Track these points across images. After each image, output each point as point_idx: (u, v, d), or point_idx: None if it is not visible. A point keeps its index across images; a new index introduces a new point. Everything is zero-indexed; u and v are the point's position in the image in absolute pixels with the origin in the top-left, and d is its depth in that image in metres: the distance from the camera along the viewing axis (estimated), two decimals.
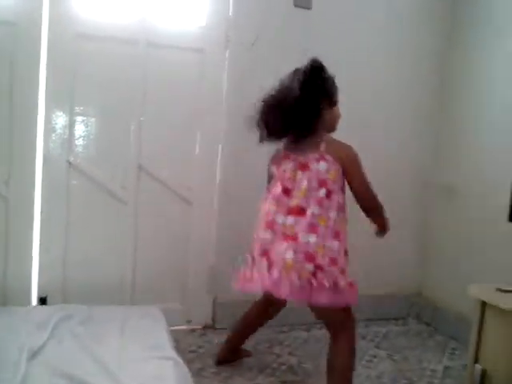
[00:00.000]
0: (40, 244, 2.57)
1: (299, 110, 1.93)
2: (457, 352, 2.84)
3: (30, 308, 2.37)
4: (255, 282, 2.01)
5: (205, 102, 2.79)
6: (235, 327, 2.46)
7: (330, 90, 2.05)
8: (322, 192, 1.93)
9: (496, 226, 2.61)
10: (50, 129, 2.53)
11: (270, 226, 2.00)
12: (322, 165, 1.93)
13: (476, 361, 1.86)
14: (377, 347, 2.85)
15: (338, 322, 2.02)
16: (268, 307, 2.33)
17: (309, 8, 2.87)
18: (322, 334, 2.83)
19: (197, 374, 2.30)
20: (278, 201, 2.00)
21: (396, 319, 3.30)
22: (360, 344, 2.83)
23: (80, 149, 2.61)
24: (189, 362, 2.12)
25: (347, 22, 2.98)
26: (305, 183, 1.94)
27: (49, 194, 2.56)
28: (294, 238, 1.92)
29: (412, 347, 2.89)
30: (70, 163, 2.58)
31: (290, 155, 2.03)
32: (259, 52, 2.80)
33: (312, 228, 1.91)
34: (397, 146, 3.20)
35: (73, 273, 2.63)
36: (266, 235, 2.00)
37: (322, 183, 1.93)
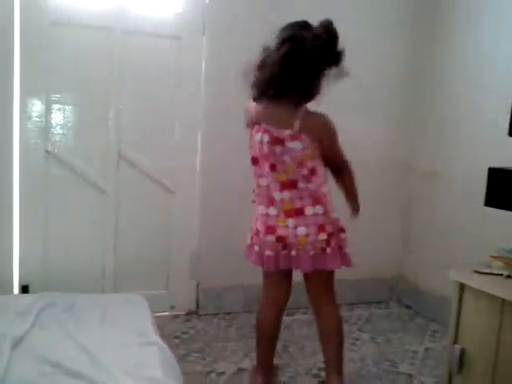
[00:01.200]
0: (20, 233, 2.55)
1: (305, 72, 1.85)
2: (437, 334, 2.89)
3: (12, 296, 2.35)
4: (265, 258, 1.99)
5: (183, 89, 2.77)
6: (258, 345, 2.16)
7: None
8: (304, 170, 1.90)
9: (475, 209, 2.64)
10: (25, 118, 2.50)
11: (270, 201, 1.96)
12: (298, 144, 1.87)
13: (455, 341, 1.89)
14: (360, 330, 2.88)
15: (331, 285, 2.06)
16: (278, 308, 2.15)
17: None
18: (305, 318, 2.88)
19: (181, 359, 2.30)
20: (268, 176, 1.94)
21: (378, 303, 3.33)
22: (343, 328, 2.87)
23: (58, 138, 2.58)
24: (173, 348, 2.11)
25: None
26: (287, 158, 1.89)
27: (27, 183, 2.54)
28: (298, 212, 1.91)
29: (394, 330, 2.93)
30: (48, 152, 2.55)
31: (262, 125, 1.91)
32: (236, 37, 2.79)
33: (314, 200, 1.91)
34: (379, 130, 3.21)
35: (54, 262, 2.61)
36: (267, 211, 1.97)
37: (301, 162, 1.89)
